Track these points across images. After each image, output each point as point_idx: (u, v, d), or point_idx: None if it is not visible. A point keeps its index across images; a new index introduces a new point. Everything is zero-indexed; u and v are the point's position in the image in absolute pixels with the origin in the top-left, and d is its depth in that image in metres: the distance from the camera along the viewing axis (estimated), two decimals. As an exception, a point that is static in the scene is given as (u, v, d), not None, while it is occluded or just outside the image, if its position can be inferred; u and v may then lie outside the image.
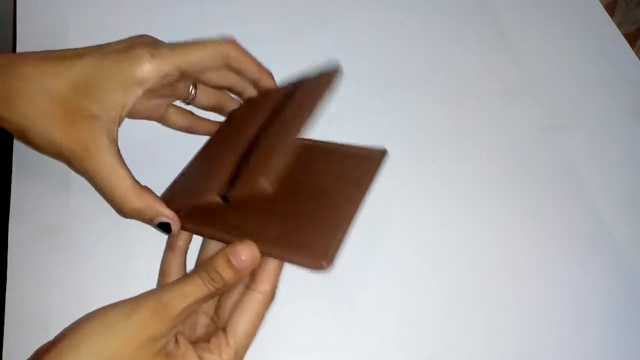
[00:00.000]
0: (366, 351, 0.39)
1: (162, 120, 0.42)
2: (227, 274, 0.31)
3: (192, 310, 0.31)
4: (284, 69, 0.40)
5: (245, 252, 0.31)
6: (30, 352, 0.36)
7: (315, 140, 0.39)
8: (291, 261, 0.34)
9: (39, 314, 0.38)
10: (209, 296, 0.31)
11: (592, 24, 0.57)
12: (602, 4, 0.58)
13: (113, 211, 0.35)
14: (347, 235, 0.33)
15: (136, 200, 0.34)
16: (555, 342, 0.41)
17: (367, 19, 0.54)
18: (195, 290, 0.31)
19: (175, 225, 0.35)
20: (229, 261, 0.31)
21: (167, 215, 0.35)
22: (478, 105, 0.51)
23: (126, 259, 0.40)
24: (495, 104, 0.51)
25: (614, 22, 0.57)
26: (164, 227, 0.35)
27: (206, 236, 0.38)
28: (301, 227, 0.34)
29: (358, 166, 0.37)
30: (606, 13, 0.58)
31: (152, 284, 0.38)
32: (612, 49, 0.55)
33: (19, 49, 0.47)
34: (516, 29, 0.55)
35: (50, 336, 0.30)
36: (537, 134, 0.50)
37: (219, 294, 0.33)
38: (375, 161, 0.37)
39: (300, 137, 0.36)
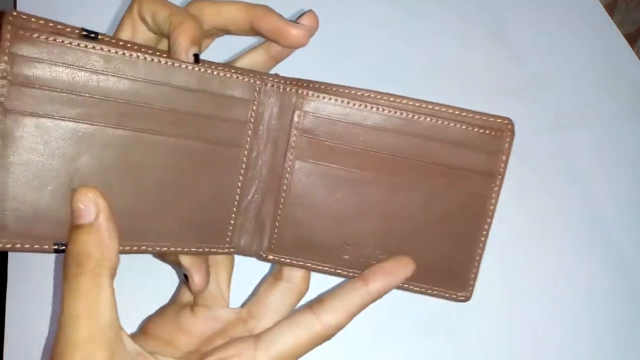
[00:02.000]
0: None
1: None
2: (82, 239, 0.26)
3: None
4: (283, 69, 0.40)
5: (82, 200, 0.27)
6: (30, 355, 0.36)
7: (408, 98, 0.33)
8: (425, 293, 0.34)
9: (39, 318, 0.37)
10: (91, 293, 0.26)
11: (592, 24, 0.57)
12: (602, 3, 0.58)
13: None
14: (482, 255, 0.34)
15: None
16: (555, 342, 0.41)
17: (368, 18, 0.54)
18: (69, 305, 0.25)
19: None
20: (75, 227, 0.27)
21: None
22: (478, 105, 0.50)
23: (127, 261, 0.40)
24: (495, 103, 0.51)
25: (614, 21, 0.57)
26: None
27: (302, 267, 0.33)
28: (428, 250, 0.33)
29: (482, 153, 0.33)
30: (606, 13, 0.58)
31: (152, 284, 0.38)
32: (612, 48, 0.55)
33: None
34: (517, 28, 0.55)
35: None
36: (537, 134, 0.50)
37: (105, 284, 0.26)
38: (504, 142, 0.33)
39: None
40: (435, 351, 0.40)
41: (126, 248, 0.29)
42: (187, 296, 0.34)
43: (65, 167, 0.28)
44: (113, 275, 0.27)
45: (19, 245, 0.27)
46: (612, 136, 0.51)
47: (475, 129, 0.32)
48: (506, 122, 0.33)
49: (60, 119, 0.28)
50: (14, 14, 0.27)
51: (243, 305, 0.34)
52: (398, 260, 0.32)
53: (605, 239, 0.46)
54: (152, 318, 0.34)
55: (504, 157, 0.33)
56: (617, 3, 0.61)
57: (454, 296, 0.34)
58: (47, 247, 0.27)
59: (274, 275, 0.33)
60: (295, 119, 0.32)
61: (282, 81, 0.32)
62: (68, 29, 0.28)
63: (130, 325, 0.34)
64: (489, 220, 0.33)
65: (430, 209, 0.33)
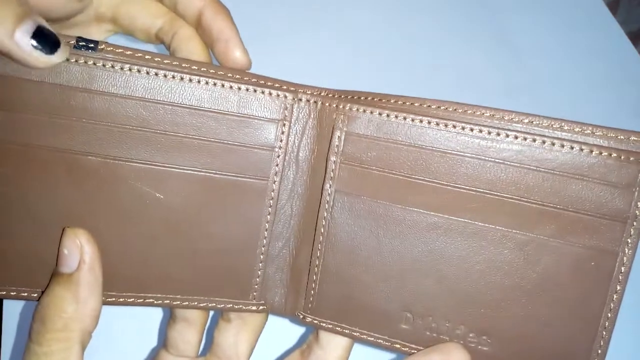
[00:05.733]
0: None
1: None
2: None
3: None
4: (283, 68, 0.40)
5: (67, 245, 0.23)
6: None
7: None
8: None
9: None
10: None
11: (594, 22, 0.56)
12: (604, 2, 0.57)
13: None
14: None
15: None
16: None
17: (368, 18, 0.54)
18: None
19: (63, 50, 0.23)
20: (54, 275, 0.23)
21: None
22: (479, 104, 0.50)
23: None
24: (497, 102, 0.50)
25: (617, 20, 0.56)
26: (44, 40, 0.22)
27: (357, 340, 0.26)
28: (525, 327, 0.24)
29: (606, 187, 0.23)
30: (609, 11, 0.57)
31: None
32: (615, 47, 0.55)
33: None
34: (518, 27, 0.55)
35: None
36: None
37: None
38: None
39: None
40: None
41: (129, 300, 0.25)
42: (182, 343, 0.29)
43: (58, 205, 0.24)
44: (85, 341, 0.23)
45: (4, 292, 0.24)
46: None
47: (595, 152, 0.23)
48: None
49: (48, 149, 0.24)
50: None
51: None
52: (446, 352, 0.24)
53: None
54: None
55: None
56: (619, 1, 0.61)
57: None
58: (35, 295, 0.24)
59: (301, 352, 0.28)
60: (336, 141, 0.25)
61: (320, 93, 0.26)
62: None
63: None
64: (619, 287, 0.23)
65: (529, 269, 0.23)
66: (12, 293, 0.24)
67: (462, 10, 0.55)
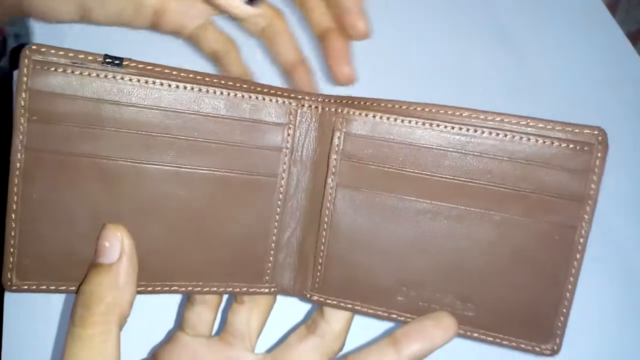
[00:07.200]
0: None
1: (193, 38, 0.34)
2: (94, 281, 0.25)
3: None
4: (272, 74, 0.39)
5: (108, 238, 0.26)
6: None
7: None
8: (501, 344, 0.29)
9: (37, 318, 0.38)
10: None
11: (594, 23, 0.56)
12: (604, 2, 0.57)
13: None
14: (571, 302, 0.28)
15: None
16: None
17: (368, 17, 0.54)
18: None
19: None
20: (94, 266, 0.26)
21: None
22: (480, 104, 0.50)
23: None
24: (496, 102, 0.50)
25: (616, 20, 0.56)
26: None
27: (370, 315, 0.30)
28: (502, 293, 0.28)
29: (566, 172, 0.28)
30: (608, 11, 0.57)
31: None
32: (614, 47, 0.55)
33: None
34: (518, 27, 0.55)
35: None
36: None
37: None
38: (594, 158, 0.27)
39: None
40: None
41: (157, 289, 0.28)
42: (199, 323, 0.31)
43: (90, 206, 0.27)
44: (122, 324, 0.25)
45: (44, 287, 0.27)
46: (614, 135, 0.50)
47: (556, 143, 0.28)
48: (595, 132, 0.27)
49: (82, 156, 0.26)
50: (33, 47, 0.25)
51: (269, 351, 0.31)
52: (438, 319, 0.28)
53: (605, 238, 0.46)
54: (164, 346, 0.32)
55: (594, 177, 0.27)
56: (619, 1, 0.61)
57: (537, 349, 0.28)
58: (72, 288, 0.27)
59: (307, 326, 0.31)
60: (336, 141, 0.29)
61: (320, 99, 0.30)
62: (90, 57, 0.26)
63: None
64: (578, 256, 0.28)
65: (504, 244, 0.28)
66: (51, 287, 0.27)
67: (462, 11, 0.55)
